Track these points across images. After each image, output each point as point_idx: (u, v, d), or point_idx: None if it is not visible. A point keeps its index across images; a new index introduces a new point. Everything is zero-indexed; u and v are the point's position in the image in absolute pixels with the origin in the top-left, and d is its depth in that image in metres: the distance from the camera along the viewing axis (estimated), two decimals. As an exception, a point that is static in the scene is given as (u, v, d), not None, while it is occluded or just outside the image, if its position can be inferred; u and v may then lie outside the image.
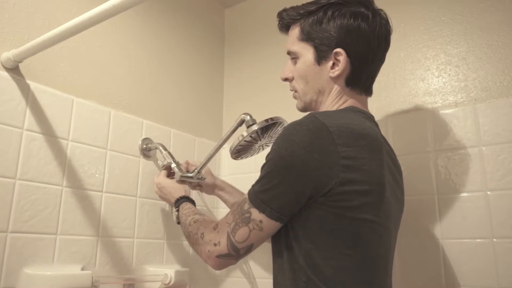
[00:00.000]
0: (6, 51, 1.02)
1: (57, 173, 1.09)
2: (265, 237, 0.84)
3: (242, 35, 1.79)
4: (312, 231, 0.81)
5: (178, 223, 1.11)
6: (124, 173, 1.27)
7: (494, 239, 1.10)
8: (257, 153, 1.17)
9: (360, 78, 0.93)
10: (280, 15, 1.02)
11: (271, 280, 0.92)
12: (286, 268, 0.85)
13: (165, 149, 1.30)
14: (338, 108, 0.93)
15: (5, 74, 1.02)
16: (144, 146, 1.34)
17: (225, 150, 1.59)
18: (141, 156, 1.33)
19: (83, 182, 1.15)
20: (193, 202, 1.14)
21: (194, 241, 0.94)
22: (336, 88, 0.93)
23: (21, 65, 1.06)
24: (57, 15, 1.16)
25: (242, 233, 0.83)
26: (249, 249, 0.85)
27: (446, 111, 1.23)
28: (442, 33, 1.29)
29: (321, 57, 0.93)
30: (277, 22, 1.03)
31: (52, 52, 1.12)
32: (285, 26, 1.01)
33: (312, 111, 0.93)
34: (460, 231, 1.15)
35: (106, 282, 1.16)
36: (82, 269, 1.10)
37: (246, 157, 1.17)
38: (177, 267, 1.36)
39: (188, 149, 1.53)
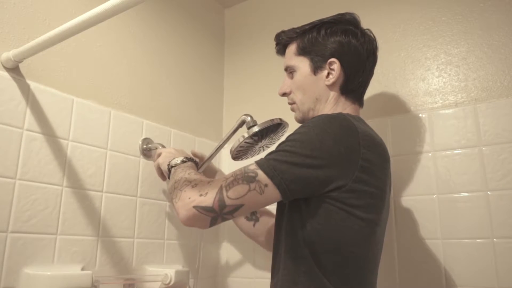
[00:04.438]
0: (6, 51, 1.02)
1: (57, 173, 1.09)
2: (259, 204, 0.83)
3: (242, 35, 1.79)
4: (320, 225, 0.85)
5: (168, 175, 1.05)
6: (124, 173, 1.27)
7: (494, 239, 1.10)
8: (258, 154, 1.17)
9: (353, 87, 1.02)
10: (278, 36, 1.11)
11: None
12: (286, 258, 0.89)
13: (165, 149, 1.30)
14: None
15: (5, 74, 1.02)
16: (144, 146, 1.34)
17: (225, 150, 1.59)
18: (141, 156, 1.33)
19: (83, 182, 1.15)
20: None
21: (180, 186, 0.89)
22: (332, 95, 1.02)
23: (21, 65, 1.05)
24: (57, 15, 1.16)
25: (239, 189, 0.81)
26: (235, 209, 0.81)
27: (446, 111, 1.23)
28: (443, 33, 1.29)
29: (316, 67, 1.02)
30: (275, 45, 1.12)
31: (52, 52, 1.12)
32: (282, 46, 1.11)
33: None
34: (460, 231, 1.15)
35: (106, 282, 1.16)
36: (82, 269, 1.10)
37: (246, 158, 1.17)
38: (177, 267, 1.36)
39: (188, 149, 1.52)
